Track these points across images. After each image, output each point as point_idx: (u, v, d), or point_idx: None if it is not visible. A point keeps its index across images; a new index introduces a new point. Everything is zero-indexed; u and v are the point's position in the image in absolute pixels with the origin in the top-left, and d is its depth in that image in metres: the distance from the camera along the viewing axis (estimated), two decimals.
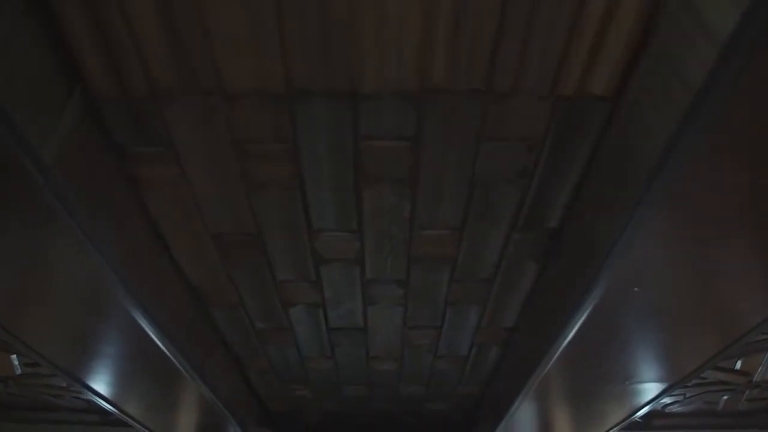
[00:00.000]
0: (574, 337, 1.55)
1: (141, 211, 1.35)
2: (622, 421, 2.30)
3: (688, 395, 2.63)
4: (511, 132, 1.15)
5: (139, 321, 1.48)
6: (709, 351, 1.64)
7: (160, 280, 1.56)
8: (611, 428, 2.37)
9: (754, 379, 2.50)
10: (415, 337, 2.07)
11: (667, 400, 2.61)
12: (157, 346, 1.65)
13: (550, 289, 1.64)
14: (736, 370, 2.43)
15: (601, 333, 1.57)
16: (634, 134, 1.05)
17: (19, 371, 2.48)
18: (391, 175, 1.26)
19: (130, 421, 2.39)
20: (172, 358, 1.76)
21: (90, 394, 2.03)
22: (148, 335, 1.56)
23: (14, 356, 2.38)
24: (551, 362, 1.74)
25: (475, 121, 1.12)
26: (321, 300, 1.79)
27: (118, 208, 1.29)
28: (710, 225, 1.12)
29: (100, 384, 1.97)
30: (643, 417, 2.39)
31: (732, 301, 1.42)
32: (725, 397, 2.72)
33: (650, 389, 1.94)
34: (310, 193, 1.31)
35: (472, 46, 0.97)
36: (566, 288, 1.49)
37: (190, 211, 1.36)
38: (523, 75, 1.02)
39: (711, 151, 0.94)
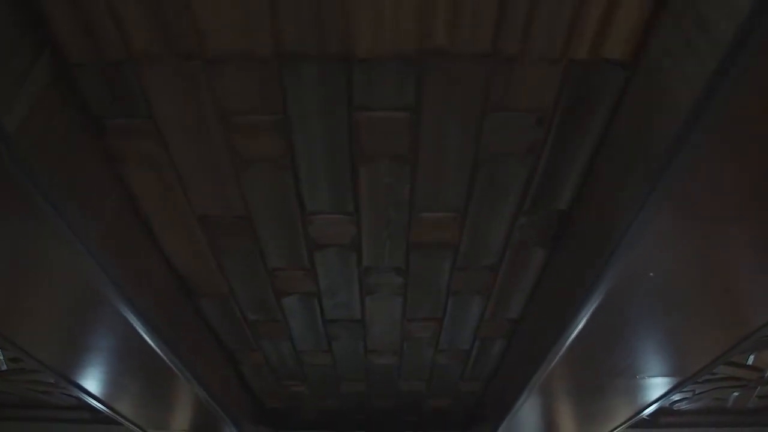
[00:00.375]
0: (582, 330, 1.46)
1: (121, 190, 1.26)
2: (630, 418, 2.22)
3: (697, 392, 2.56)
4: (518, 102, 1.06)
5: (123, 313, 1.39)
6: (723, 345, 1.55)
7: (144, 267, 1.47)
8: (619, 426, 2.30)
9: (766, 375, 2.43)
10: (415, 330, 1.98)
11: (675, 396, 2.54)
12: (144, 339, 1.56)
13: (557, 278, 1.56)
14: (749, 365, 2.36)
15: (611, 325, 1.48)
16: (653, 104, 0.96)
17: (4, 367, 2.39)
18: (389, 150, 1.17)
19: (120, 418, 2.31)
20: (160, 353, 1.67)
21: (76, 390, 1.95)
22: (133, 328, 1.47)
23: None
24: (558, 356, 1.65)
25: (480, 89, 1.03)
26: (316, 289, 1.71)
27: (96, 188, 1.19)
28: (730, 213, 1.03)
29: (86, 380, 1.88)
30: (650, 414, 2.31)
31: (752, 290, 1.34)
32: (735, 394, 2.66)
33: (660, 385, 1.86)
34: (302, 170, 1.22)
35: (477, 2, 0.88)
36: (575, 276, 1.41)
37: (174, 190, 1.27)
38: (533, 35, 0.93)
39: (737, 123, 0.85)
